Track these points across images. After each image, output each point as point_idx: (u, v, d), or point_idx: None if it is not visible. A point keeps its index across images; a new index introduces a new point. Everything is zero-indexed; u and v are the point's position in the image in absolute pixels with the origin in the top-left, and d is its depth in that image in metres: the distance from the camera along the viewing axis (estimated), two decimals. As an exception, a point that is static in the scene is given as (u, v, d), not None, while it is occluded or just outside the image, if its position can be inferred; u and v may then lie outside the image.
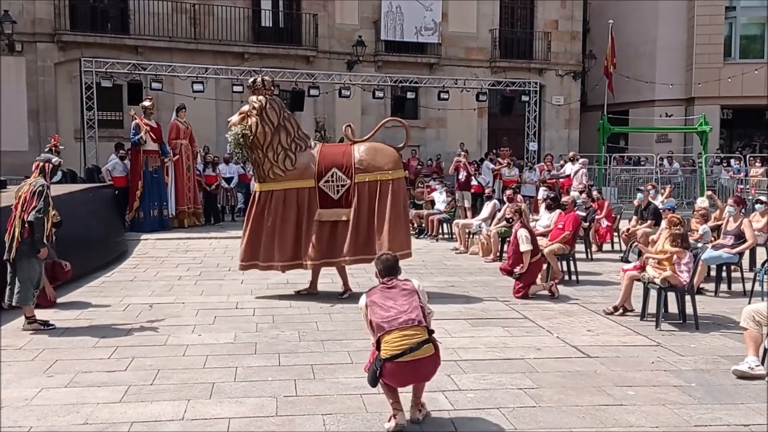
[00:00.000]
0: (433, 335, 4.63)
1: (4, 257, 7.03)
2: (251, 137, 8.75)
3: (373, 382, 4.57)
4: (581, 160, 18.05)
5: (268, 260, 8.90)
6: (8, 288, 7.08)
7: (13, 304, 7.05)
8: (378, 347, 4.51)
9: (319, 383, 5.57)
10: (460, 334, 7.06)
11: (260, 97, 8.92)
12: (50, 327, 7.08)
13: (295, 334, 7.07)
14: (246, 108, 8.97)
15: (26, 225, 6.90)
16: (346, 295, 8.90)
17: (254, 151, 8.89)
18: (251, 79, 9.32)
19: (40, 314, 7.27)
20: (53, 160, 7.38)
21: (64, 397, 5.17)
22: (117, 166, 15.51)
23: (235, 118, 9.03)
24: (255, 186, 9.27)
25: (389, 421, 4.59)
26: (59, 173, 7.60)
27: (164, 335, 6.93)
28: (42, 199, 6.96)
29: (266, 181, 8.92)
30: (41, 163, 7.26)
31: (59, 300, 8.37)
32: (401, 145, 9.44)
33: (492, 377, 5.75)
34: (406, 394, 4.74)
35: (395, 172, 9.02)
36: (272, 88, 9.23)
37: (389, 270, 4.88)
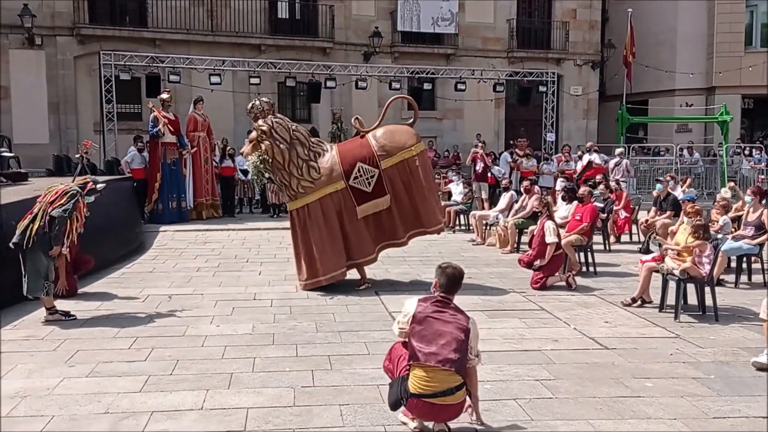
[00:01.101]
0: (466, 384, 4.33)
1: (13, 240, 7.03)
2: (270, 161, 8.71)
3: (395, 408, 4.42)
4: (618, 151, 18.00)
5: (329, 272, 8.76)
6: (24, 278, 7.18)
7: (24, 294, 7.14)
8: (408, 371, 4.29)
9: (336, 374, 5.60)
10: (477, 326, 7.03)
11: (266, 120, 8.89)
12: (71, 318, 7.18)
13: (312, 325, 7.11)
14: (254, 135, 8.89)
15: (47, 218, 6.97)
16: (363, 287, 8.94)
17: (277, 173, 8.82)
18: (249, 106, 9.34)
19: (62, 305, 7.36)
20: (98, 186, 7.66)
21: (86, 387, 5.24)
22: (135, 158, 15.65)
23: (247, 148, 8.99)
24: (289, 206, 9.12)
25: (413, 420, 4.46)
26: (92, 198, 7.71)
27: (183, 326, 7.00)
28: (72, 201, 7.09)
29: (298, 197, 8.83)
30: (85, 179, 7.63)
31: (80, 290, 8.48)
32: (411, 120, 9.45)
33: (509, 368, 5.75)
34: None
35: (417, 146, 9.07)
36: (271, 108, 9.25)
37: (452, 285, 4.43)
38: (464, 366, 4.29)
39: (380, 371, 4.80)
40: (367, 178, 8.84)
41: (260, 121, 8.90)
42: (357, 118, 9.27)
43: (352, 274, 9.16)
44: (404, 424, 4.50)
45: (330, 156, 8.96)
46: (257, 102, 9.22)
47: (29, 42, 20.79)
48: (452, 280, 4.42)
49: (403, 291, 8.72)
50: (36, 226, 6.97)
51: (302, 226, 8.83)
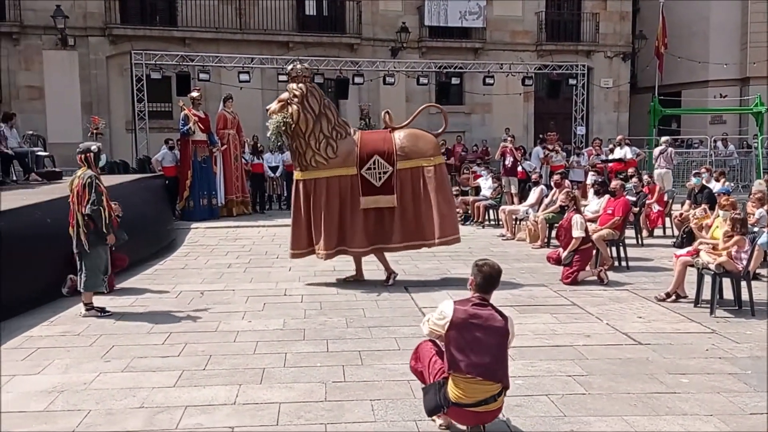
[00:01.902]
0: (509, 387, 4.25)
1: (75, 250, 7.25)
2: (293, 125, 8.69)
3: (432, 414, 4.31)
4: (664, 139, 17.79)
5: (311, 246, 8.95)
6: (78, 275, 7.34)
7: (82, 290, 7.29)
8: (444, 376, 4.18)
9: (366, 369, 5.61)
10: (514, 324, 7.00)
11: (300, 85, 8.83)
12: (106, 314, 7.30)
13: (342, 320, 7.13)
14: (285, 96, 8.85)
15: (86, 218, 7.10)
16: (392, 281, 8.96)
17: (295, 139, 8.80)
18: (289, 67, 9.29)
19: (97, 301, 7.49)
20: (92, 148, 7.44)
21: (121, 382, 5.33)
22: (167, 157, 15.84)
23: (274, 105, 8.90)
24: (296, 174, 9.08)
25: (440, 417, 4.40)
26: (103, 158, 7.72)
27: (215, 322, 7.07)
28: (93, 190, 7.13)
29: (308, 170, 8.83)
30: (83, 155, 7.35)
31: (116, 287, 8.62)
32: (439, 131, 9.43)
33: (540, 364, 5.71)
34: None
35: (437, 158, 9.08)
36: (310, 74, 9.18)
37: (489, 284, 4.22)
38: (506, 372, 4.18)
39: (409, 367, 4.79)
40: (380, 173, 8.83)
41: (295, 85, 8.86)
42: (387, 112, 9.26)
43: (372, 271, 9.16)
44: (434, 421, 4.45)
45: (351, 140, 8.97)
46: (298, 65, 9.12)
47: (62, 43, 21.17)
48: (489, 279, 4.20)
49: (433, 287, 8.71)
50: (82, 227, 7.10)
51: (305, 198, 8.87)
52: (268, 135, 8.98)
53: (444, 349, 4.21)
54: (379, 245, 8.99)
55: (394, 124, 9.21)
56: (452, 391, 4.11)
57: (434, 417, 4.44)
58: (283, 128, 8.71)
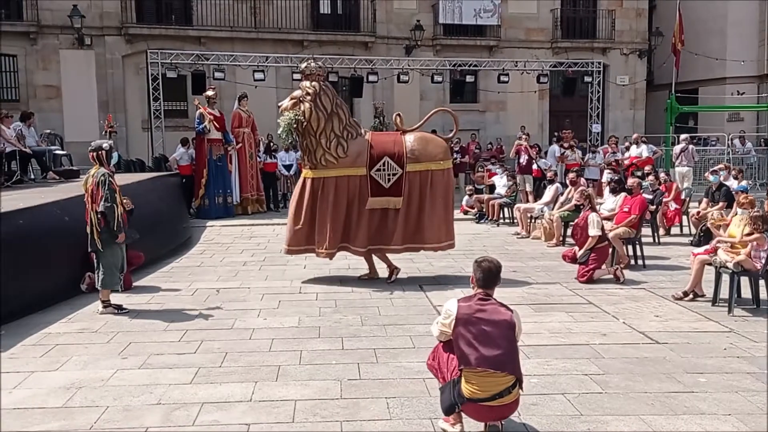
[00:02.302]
0: (522, 379, 4.20)
1: (89, 249, 7.32)
2: (305, 123, 8.68)
3: (449, 413, 4.25)
4: (683, 137, 17.72)
5: (310, 243, 8.98)
6: (96, 273, 7.40)
7: (99, 288, 7.36)
8: (459, 376, 4.16)
9: (382, 367, 5.61)
10: (523, 320, 6.75)
11: (314, 83, 8.83)
12: (123, 311, 7.35)
13: (357, 318, 7.14)
14: (298, 93, 8.85)
15: (100, 216, 7.15)
16: (393, 278, 8.99)
17: (306, 137, 8.79)
18: (303, 64, 9.20)
19: (114, 298, 7.55)
20: (104, 146, 7.49)
21: (138, 378, 5.37)
22: (183, 155, 15.93)
23: (286, 102, 8.91)
24: (305, 172, 9.04)
25: (453, 426, 4.31)
26: (114, 155, 7.78)
27: (231, 319, 7.11)
28: (106, 187, 7.17)
29: (318, 168, 8.83)
30: (95, 153, 7.40)
31: (133, 284, 8.67)
32: (450, 135, 9.46)
33: (556, 363, 5.68)
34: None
35: (446, 162, 9.13)
36: (324, 72, 9.15)
37: (490, 280, 4.27)
38: (517, 363, 4.16)
39: (426, 365, 4.78)
40: (389, 174, 8.87)
41: (308, 83, 8.86)
42: (398, 115, 9.28)
43: (384, 269, 9.15)
44: (444, 431, 4.35)
45: (362, 141, 8.98)
46: (312, 63, 9.12)
47: (79, 42, 21.33)
48: (488, 274, 4.26)
49: (447, 285, 8.70)
50: (95, 226, 7.16)
51: (310, 195, 8.83)
52: (279, 132, 8.96)
53: (455, 348, 4.21)
54: (379, 246, 9.02)
55: (404, 127, 9.23)
56: (466, 387, 4.10)
57: (446, 427, 4.34)
58: (294, 126, 8.71)
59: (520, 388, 4.21)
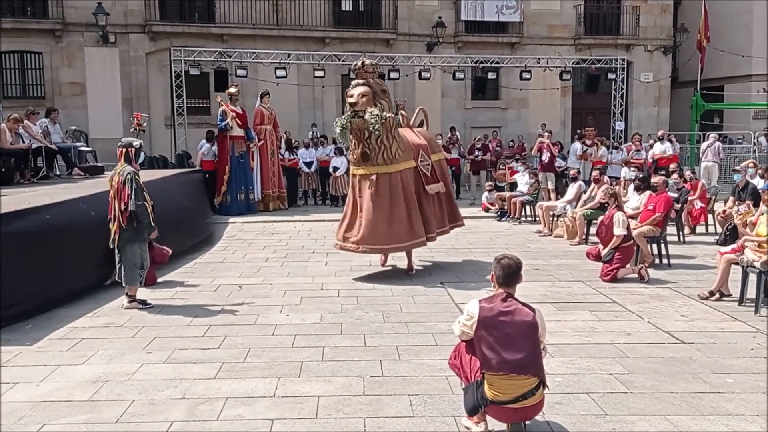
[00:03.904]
0: (545, 381, 4.15)
1: (110, 245, 7.39)
2: (385, 119, 8.65)
3: (473, 414, 4.22)
4: (713, 134, 17.56)
5: (395, 242, 8.88)
6: (118, 269, 7.47)
7: (123, 285, 7.44)
8: (482, 378, 4.11)
9: (404, 364, 5.61)
10: (546, 318, 6.71)
11: (383, 81, 9.47)
12: (148, 306, 7.42)
13: (379, 315, 7.13)
14: (363, 90, 8.66)
15: (123, 214, 7.18)
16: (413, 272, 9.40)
17: (384, 132, 8.71)
18: (359, 63, 9.05)
19: (139, 294, 7.61)
20: (134, 144, 7.54)
21: (163, 373, 5.41)
22: (207, 151, 16.03)
23: (357, 98, 8.60)
24: (380, 169, 8.78)
25: (477, 425, 4.30)
26: (142, 154, 7.84)
27: (254, 315, 7.14)
28: (134, 185, 7.21)
29: (393, 163, 8.83)
30: (124, 149, 7.42)
31: (158, 280, 8.75)
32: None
33: (580, 362, 5.64)
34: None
35: (442, 154, 10.48)
36: (378, 71, 9.40)
37: (510, 277, 4.20)
38: (540, 365, 4.11)
39: (448, 363, 4.77)
40: (425, 165, 9.39)
41: (379, 80, 9.34)
42: (422, 110, 9.95)
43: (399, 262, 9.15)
44: (467, 429, 4.35)
45: (401, 135, 9.24)
46: (366, 61, 9.10)
47: (104, 40, 21.55)
48: (508, 271, 4.19)
49: (469, 282, 8.67)
50: (117, 227, 7.22)
51: (392, 190, 8.81)
52: (372, 129, 8.57)
53: (477, 350, 4.17)
54: (441, 228, 9.59)
55: (409, 123, 9.88)
56: (488, 390, 4.07)
57: (470, 425, 4.33)
58: (382, 121, 8.61)
59: (545, 388, 4.17)
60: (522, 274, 4.30)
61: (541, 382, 4.11)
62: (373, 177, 8.78)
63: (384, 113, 8.63)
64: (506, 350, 4.01)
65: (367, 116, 8.52)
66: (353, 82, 8.97)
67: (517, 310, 4.11)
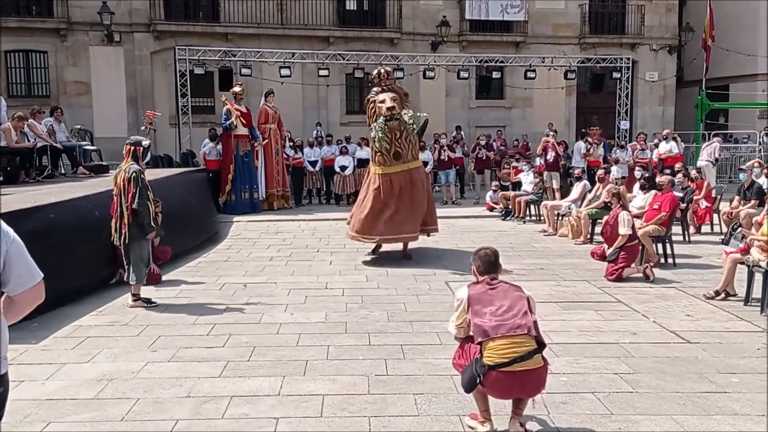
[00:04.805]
0: (544, 348, 4.16)
1: (117, 242, 7.41)
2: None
3: (470, 388, 4.15)
4: (716, 138, 17.64)
5: (405, 232, 9.98)
6: (126, 267, 7.49)
7: (131, 283, 7.44)
8: (480, 353, 4.10)
9: (409, 363, 5.60)
10: (551, 318, 6.92)
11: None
12: (153, 305, 7.43)
13: (383, 314, 7.13)
14: (393, 95, 9.75)
15: (129, 211, 7.20)
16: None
17: (412, 132, 9.87)
18: (382, 71, 10.16)
19: (143, 292, 7.63)
20: (143, 143, 7.56)
21: (168, 371, 5.42)
22: (212, 150, 16.04)
23: (390, 102, 9.56)
24: (412, 164, 9.92)
25: (483, 425, 4.28)
26: (149, 154, 7.86)
27: (258, 314, 7.15)
28: (138, 184, 7.22)
29: (416, 159, 10.10)
30: (132, 147, 7.43)
31: (162, 278, 8.76)
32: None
33: (586, 361, 5.63)
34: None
35: None
36: (393, 77, 10.66)
37: (490, 265, 4.34)
38: (535, 326, 4.12)
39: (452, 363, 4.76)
40: None
41: (396, 86, 10.35)
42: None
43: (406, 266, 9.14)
44: (472, 429, 4.32)
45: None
46: (383, 69, 10.23)
47: (108, 39, 21.59)
48: (487, 261, 4.35)
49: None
50: (124, 220, 7.23)
51: (419, 183, 10.00)
52: (411, 129, 9.74)
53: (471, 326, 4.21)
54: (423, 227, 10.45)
55: None
56: (486, 356, 4.06)
57: (474, 425, 4.30)
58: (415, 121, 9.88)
59: (544, 348, 4.15)
60: (501, 263, 4.47)
61: (540, 345, 4.12)
62: (410, 172, 9.91)
63: (419, 114, 9.88)
64: (497, 315, 4.12)
65: (406, 118, 9.67)
66: (375, 89, 10.13)
67: (503, 284, 4.33)
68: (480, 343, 4.11)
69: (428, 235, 10.68)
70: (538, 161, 16.38)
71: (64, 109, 16.50)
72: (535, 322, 4.16)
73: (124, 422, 4.49)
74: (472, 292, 4.24)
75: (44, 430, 4.37)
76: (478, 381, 4.05)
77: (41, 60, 21.96)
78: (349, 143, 18.10)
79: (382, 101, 9.61)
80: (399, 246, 10.45)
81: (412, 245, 10.51)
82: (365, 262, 9.93)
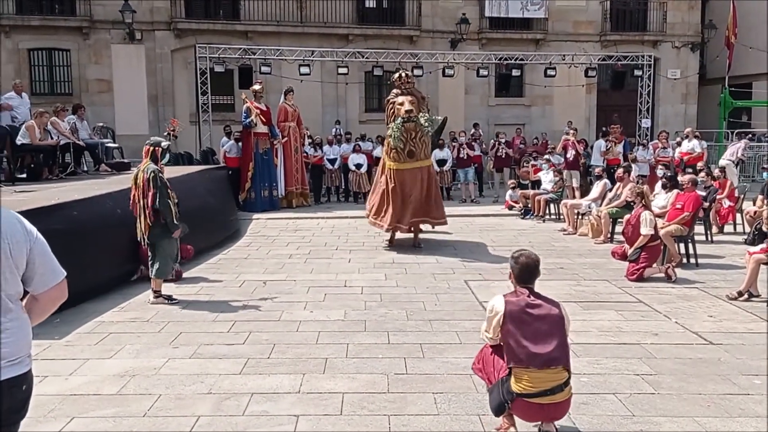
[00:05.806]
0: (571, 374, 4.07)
1: (141, 241, 7.48)
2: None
3: (498, 413, 4.10)
4: (744, 139, 17.56)
5: (436, 217, 11.05)
6: (150, 263, 7.55)
7: (153, 276, 7.50)
8: (508, 374, 4.02)
9: (428, 362, 5.60)
10: (572, 317, 6.66)
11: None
12: (174, 301, 7.49)
13: (402, 313, 7.13)
14: (412, 98, 10.47)
15: (150, 210, 7.26)
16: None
17: (427, 133, 10.78)
18: (403, 74, 10.89)
19: (165, 289, 7.69)
20: (162, 144, 7.65)
21: (189, 368, 5.46)
22: (232, 148, 16.14)
23: (411, 106, 10.29)
24: (422, 162, 10.70)
25: (507, 431, 4.21)
26: (167, 155, 7.95)
27: (278, 311, 7.18)
28: (157, 184, 7.29)
29: (426, 158, 10.90)
30: (151, 148, 7.51)
31: (183, 275, 8.83)
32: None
33: (606, 362, 5.59)
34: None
35: None
36: (412, 81, 11.28)
37: (528, 274, 4.10)
38: (569, 359, 4.04)
39: (473, 361, 4.75)
40: None
41: (414, 89, 10.98)
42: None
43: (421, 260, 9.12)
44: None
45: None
46: (403, 73, 10.96)
47: (130, 37, 21.80)
48: (526, 269, 4.08)
49: (493, 280, 8.63)
50: (146, 220, 7.30)
51: (429, 180, 10.80)
52: (427, 131, 10.73)
53: (503, 345, 4.09)
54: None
55: None
56: (515, 384, 3.98)
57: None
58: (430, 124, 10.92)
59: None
60: (540, 270, 4.21)
61: (569, 374, 4.02)
62: (424, 168, 10.71)
63: (434, 117, 10.66)
64: (535, 344, 3.93)
65: (422, 121, 10.45)
66: (395, 91, 10.81)
67: (543, 305, 4.06)
68: (510, 367, 4.01)
69: (433, 227, 11.47)
70: (557, 158, 16.24)
71: (87, 106, 16.69)
72: (569, 354, 4.04)
73: (146, 418, 4.53)
74: (510, 308, 3.99)
75: (68, 425, 4.43)
76: (506, 406, 4.02)
77: (64, 58, 22.22)
78: (365, 141, 18.13)
79: (401, 104, 10.36)
80: (410, 235, 11.33)
81: (430, 244, 10.67)
82: (385, 261, 9.93)
